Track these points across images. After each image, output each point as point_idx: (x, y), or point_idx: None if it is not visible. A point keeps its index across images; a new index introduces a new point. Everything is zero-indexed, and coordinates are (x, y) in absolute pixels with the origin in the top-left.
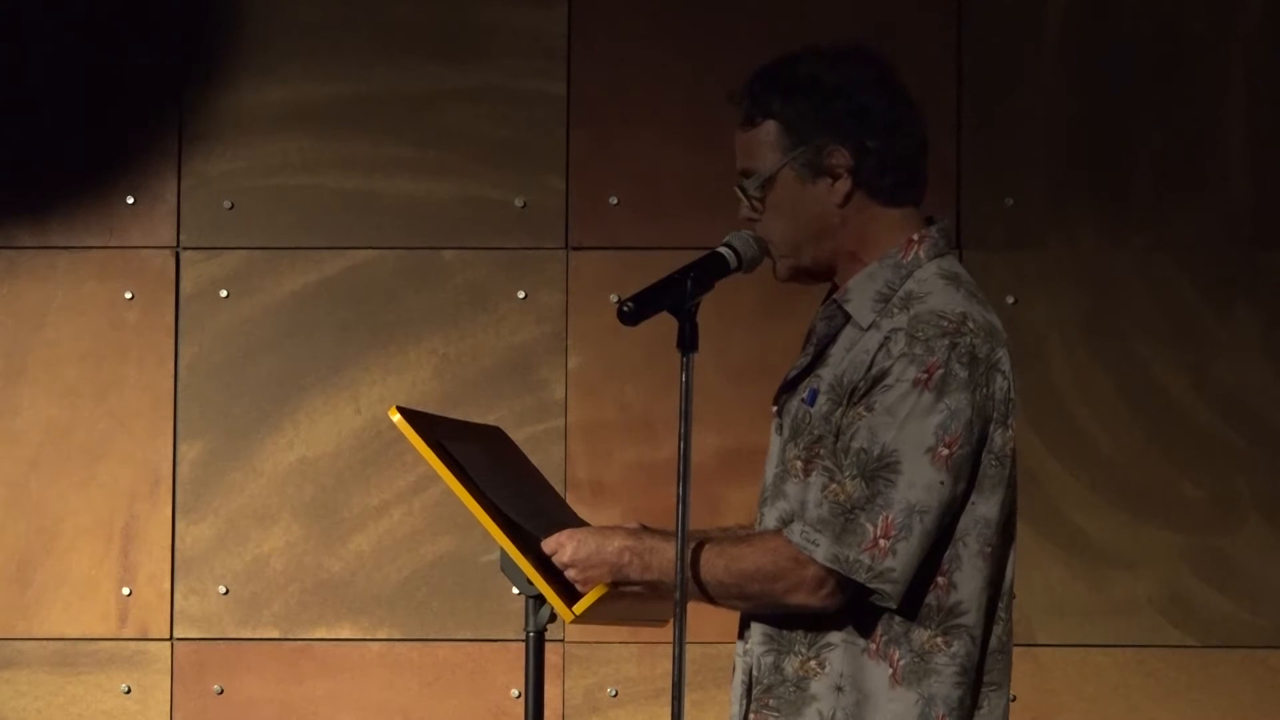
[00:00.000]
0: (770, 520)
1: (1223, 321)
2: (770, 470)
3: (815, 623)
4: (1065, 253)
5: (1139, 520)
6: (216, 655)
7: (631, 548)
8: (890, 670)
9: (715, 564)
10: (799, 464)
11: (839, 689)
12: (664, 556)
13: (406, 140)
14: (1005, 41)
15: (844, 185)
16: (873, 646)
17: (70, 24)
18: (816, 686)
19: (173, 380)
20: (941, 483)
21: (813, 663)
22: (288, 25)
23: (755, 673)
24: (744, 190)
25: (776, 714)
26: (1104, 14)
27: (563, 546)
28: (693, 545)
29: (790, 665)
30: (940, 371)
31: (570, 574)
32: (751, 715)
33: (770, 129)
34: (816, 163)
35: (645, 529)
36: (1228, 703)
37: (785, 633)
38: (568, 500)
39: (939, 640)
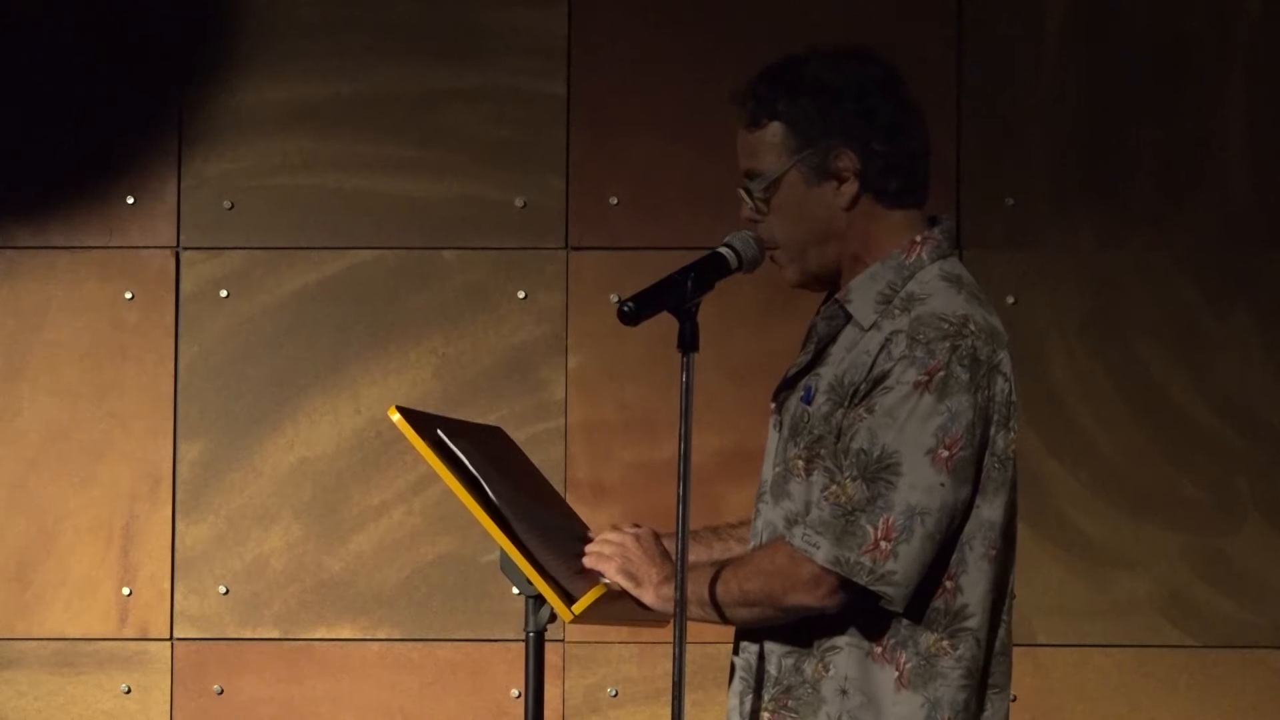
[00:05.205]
0: (772, 517)
1: (1223, 321)
2: (769, 468)
3: (824, 626)
4: (1065, 253)
5: (1139, 520)
6: (216, 655)
7: (664, 596)
8: (896, 673)
9: (720, 574)
10: (800, 463)
11: (843, 692)
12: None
13: (406, 140)
14: (1005, 41)
15: (850, 188)
16: (878, 650)
17: (70, 24)
18: (824, 689)
19: (173, 380)
20: (942, 484)
21: (819, 665)
22: (288, 25)
23: (776, 673)
24: (749, 192)
25: (795, 715)
26: (1104, 14)
27: (621, 542)
28: (710, 573)
29: (809, 667)
30: (941, 374)
31: (605, 549)
32: (767, 715)
33: (776, 131)
34: (823, 165)
35: (658, 537)
36: (1228, 703)
37: (801, 635)
38: (568, 500)
39: (945, 644)
